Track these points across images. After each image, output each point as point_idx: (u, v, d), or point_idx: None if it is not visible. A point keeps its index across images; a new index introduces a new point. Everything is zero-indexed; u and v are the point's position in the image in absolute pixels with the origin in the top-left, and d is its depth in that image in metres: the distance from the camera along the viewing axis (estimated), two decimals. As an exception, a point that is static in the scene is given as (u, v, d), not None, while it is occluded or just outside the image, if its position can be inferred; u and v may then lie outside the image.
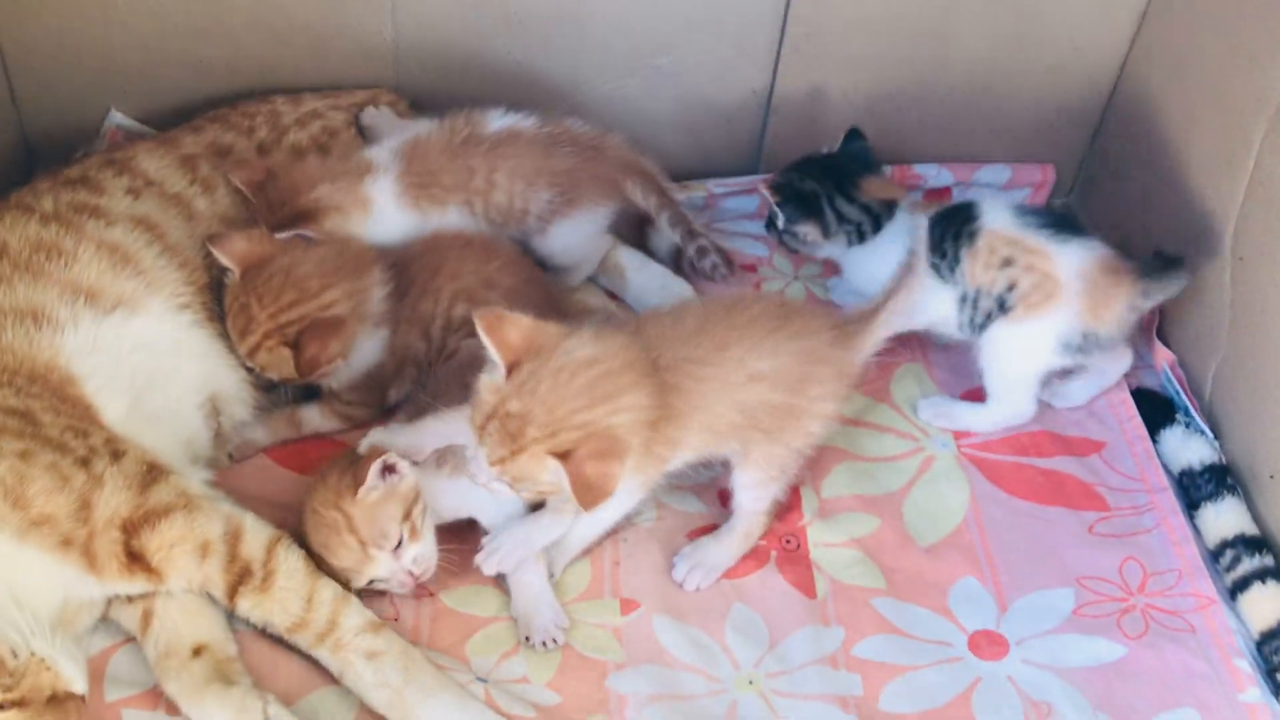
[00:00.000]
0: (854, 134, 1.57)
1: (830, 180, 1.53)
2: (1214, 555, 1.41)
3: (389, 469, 1.25)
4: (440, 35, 1.68)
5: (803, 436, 1.30)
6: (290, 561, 1.25)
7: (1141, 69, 1.70)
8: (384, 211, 1.50)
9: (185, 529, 1.23)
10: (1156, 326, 1.61)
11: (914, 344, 1.60)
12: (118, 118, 1.71)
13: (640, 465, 1.20)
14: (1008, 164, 1.82)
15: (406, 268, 1.43)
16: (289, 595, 1.24)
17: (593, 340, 1.18)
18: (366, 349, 1.42)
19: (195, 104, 1.67)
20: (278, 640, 1.26)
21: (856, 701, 1.27)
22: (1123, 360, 1.53)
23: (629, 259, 1.66)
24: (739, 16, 1.66)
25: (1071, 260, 1.41)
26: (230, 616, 1.28)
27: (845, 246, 1.55)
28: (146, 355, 1.34)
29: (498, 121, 1.55)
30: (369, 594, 1.32)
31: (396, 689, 1.21)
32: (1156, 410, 1.55)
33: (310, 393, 1.49)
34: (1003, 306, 1.43)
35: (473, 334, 1.40)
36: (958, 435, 1.53)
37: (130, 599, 1.27)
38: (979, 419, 1.52)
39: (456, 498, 1.31)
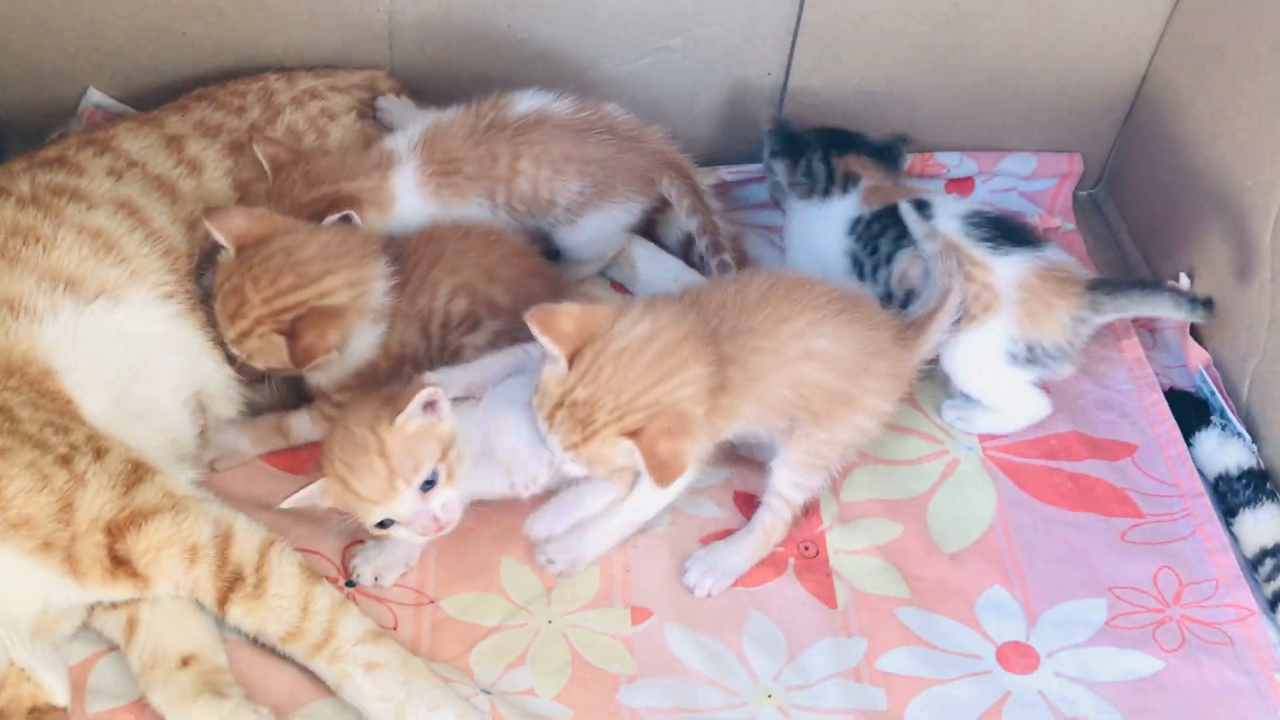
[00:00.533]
0: (900, 139, 1.63)
1: (825, 142, 1.60)
2: (1253, 564, 1.42)
3: (431, 405, 1.25)
4: (439, 10, 1.67)
5: (851, 430, 1.34)
6: (284, 567, 1.25)
7: (1174, 56, 1.71)
8: (406, 204, 1.50)
9: (173, 531, 1.22)
10: (1190, 326, 1.61)
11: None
12: (96, 96, 1.70)
13: (700, 436, 1.24)
14: (1033, 153, 1.83)
15: (403, 260, 1.43)
16: (283, 602, 1.23)
17: (646, 315, 1.23)
18: (361, 343, 1.41)
19: (179, 83, 1.66)
20: (270, 650, 1.26)
21: (880, 717, 1.27)
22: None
23: (641, 250, 1.65)
24: (754, -4, 1.67)
25: (1011, 271, 1.45)
26: (220, 624, 1.27)
27: (797, 197, 1.60)
28: (130, 347, 1.33)
29: (526, 103, 1.54)
30: (365, 601, 1.32)
31: (398, 703, 1.21)
32: (1191, 412, 1.55)
33: (296, 390, 1.48)
34: None
35: (472, 330, 1.42)
36: (983, 438, 1.54)
37: (114, 605, 1.26)
38: (996, 422, 1.52)
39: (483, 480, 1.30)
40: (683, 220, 1.60)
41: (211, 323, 1.39)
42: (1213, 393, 1.56)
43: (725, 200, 1.79)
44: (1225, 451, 1.50)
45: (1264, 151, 1.52)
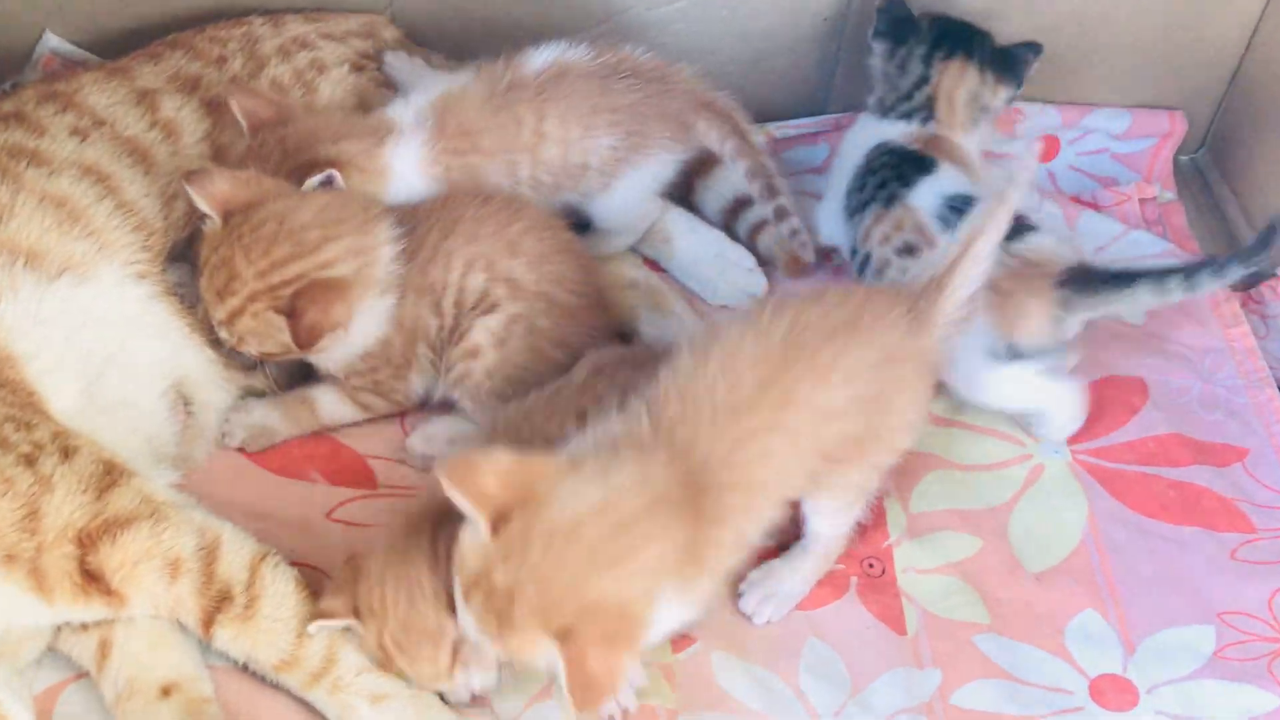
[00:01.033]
0: (1028, 47, 1.58)
1: (936, 35, 1.56)
2: (1382, 588, 1.39)
3: None
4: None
5: (887, 454, 1.28)
6: (279, 584, 1.23)
7: (1291, 1, 1.68)
8: (402, 181, 1.47)
9: (151, 543, 1.20)
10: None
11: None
12: (53, 41, 1.67)
13: (687, 586, 1.13)
14: (1127, 108, 1.80)
15: (414, 227, 1.40)
16: (277, 625, 1.21)
17: (598, 477, 1.09)
18: (369, 320, 1.38)
19: (150, 27, 1.63)
20: (261, 679, 1.24)
21: (957, 759, 1.25)
22: None
23: (677, 222, 1.62)
24: (809, -71, 1.64)
25: None
26: (205, 649, 1.25)
27: (871, 104, 1.59)
28: (100, 331, 1.32)
29: (540, 57, 1.50)
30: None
31: (408, 740, 1.19)
32: (1310, 411, 1.53)
33: (298, 377, 1.46)
34: None
35: (488, 313, 1.39)
36: (1071, 439, 1.51)
37: (84, 627, 1.24)
38: (1049, 427, 1.49)
39: None
40: (728, 162, 1.56)
41: (188, 309, 1.37)
42: (1335, 389, 1.54)
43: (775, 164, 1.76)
44: (1351, 457, 1.47)
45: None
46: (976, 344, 1.40)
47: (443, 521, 1.16)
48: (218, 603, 1.21)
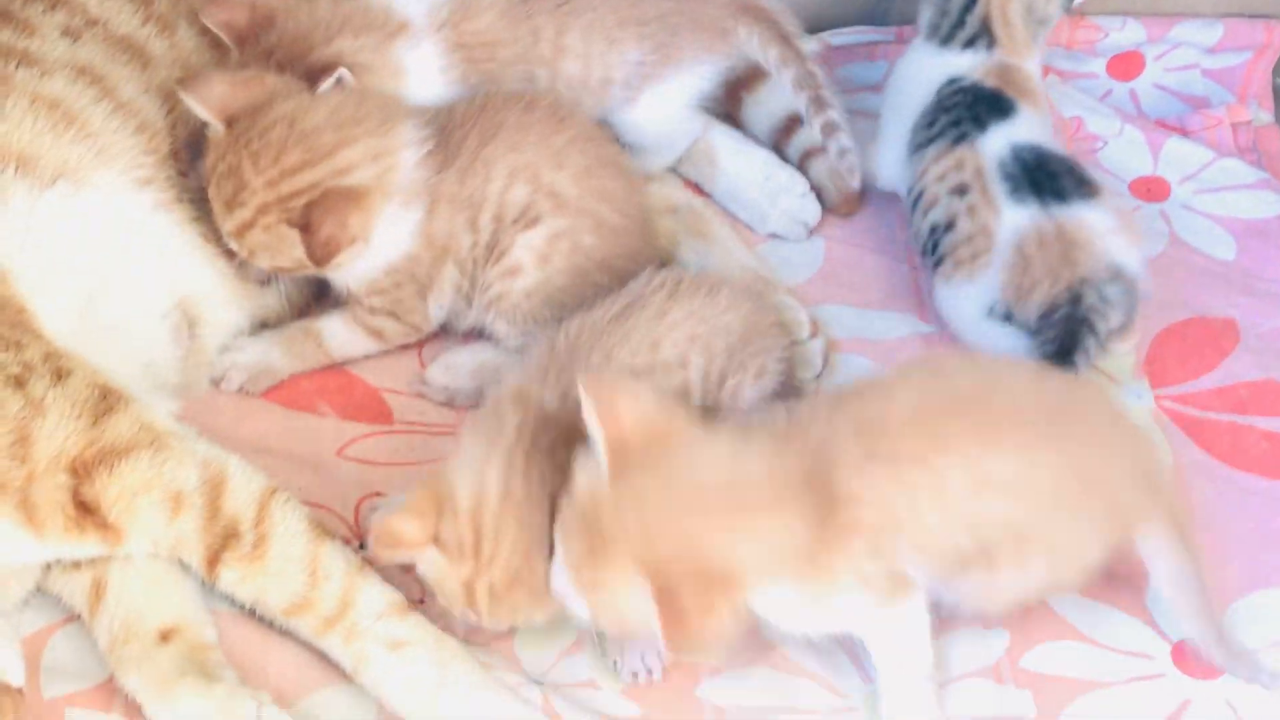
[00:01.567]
0: None
1: None
2: None
3: None
4: None
5: (1048, 575, 1.26)
6: (289, 522, 1.25)
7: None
8: (420, 83, 1.48)
9: (151, 473, 1.22)
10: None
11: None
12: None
13: (808, 588, 1.17)
14: (1217, 18, 1.80)
15: (449, 132, 1.41)
16: (288, 565, 1.23)
17: (731, 449, 1.16)
18: (393, 233, 1.39)
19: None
20: (270, 624, 1.26)
21: (1027, 725, 1.27)
22: None
23: (723, 140, 1.63)
24: None
25: (1013, 226, 1.45)
26: (208, 592, 1.27)
27: (923, 27, 1.58)
28: (97, 244, 1.34)
29: None
30: (388, 568, 1.32)
31: (429, 690, 1.21)
32: None
33: (314, 292, 1.48)
34: (934, 250, 1.49)
35: (529, 227, 1.41)
36: (1155, 383, 1.52)
37: (76, 565, 1.27)
38: None
39: None
40: (773, 72, 1.57)
41: (200, 216, 1.39)
42: None
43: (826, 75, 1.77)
44: None
45: None
46: (979, 294, 1.45)
47: (561, 465, 1.18)
48: (223, 540, 1.23)
